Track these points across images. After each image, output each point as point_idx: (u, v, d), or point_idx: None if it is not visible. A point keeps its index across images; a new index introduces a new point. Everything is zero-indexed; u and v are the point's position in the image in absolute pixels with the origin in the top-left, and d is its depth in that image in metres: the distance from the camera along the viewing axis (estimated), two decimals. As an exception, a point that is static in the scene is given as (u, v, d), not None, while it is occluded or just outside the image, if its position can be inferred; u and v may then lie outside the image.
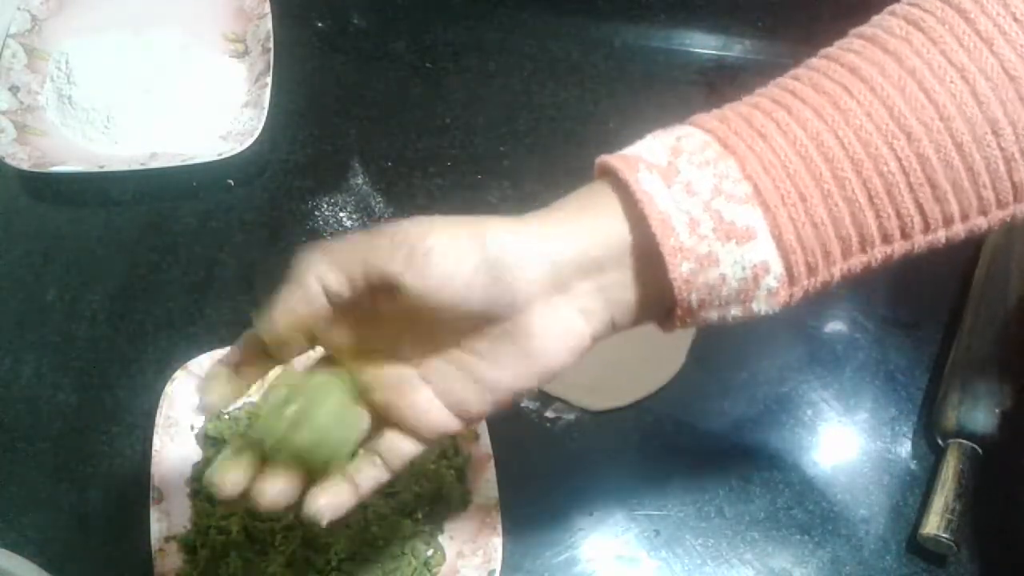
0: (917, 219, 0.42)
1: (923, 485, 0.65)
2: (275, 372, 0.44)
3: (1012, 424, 0.64)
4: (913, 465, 0.66)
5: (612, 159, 0.41)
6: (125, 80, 0.80)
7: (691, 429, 0.68)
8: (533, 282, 0.40)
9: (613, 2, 0.90)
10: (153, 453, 0.63)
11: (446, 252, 0.40)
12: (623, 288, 0.41)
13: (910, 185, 0.40)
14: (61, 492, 0.65)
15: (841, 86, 0.40)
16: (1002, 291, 0.69)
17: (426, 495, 0.62)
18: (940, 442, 0.66)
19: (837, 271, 0.42)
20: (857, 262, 0.42)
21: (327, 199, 0.79)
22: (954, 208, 0.41)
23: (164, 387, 0.65)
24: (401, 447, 0.43)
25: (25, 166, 0.74)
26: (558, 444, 0.67)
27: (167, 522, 0.61)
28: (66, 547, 0.63)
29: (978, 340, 0.67)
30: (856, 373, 0.70)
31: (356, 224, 0.78)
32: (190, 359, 0.66)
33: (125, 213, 0.78)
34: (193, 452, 0.64)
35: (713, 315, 0.41)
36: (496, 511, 0.61)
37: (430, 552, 0.61)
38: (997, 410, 0.64)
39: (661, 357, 0.70)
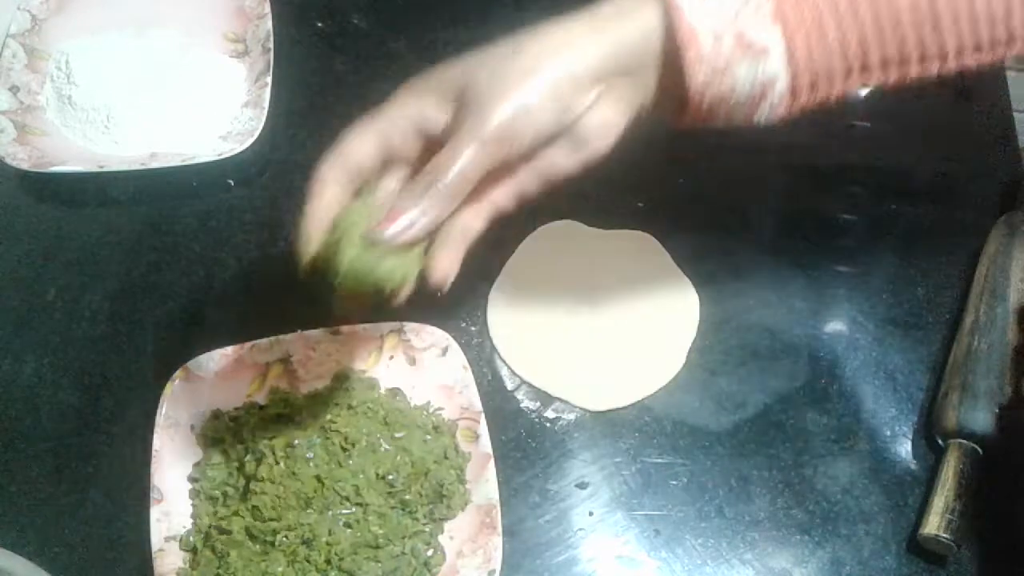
0: (915, 52, 0.46)
1: (923, 485, 0.65)
2: None
3: (1012, 424, 0.64)
4: (913, 465, 0.66)
5: None
6: (125, 80, 0.80)
7: (691, 429, 0.68)
8: (587, 99, 0.47)
9: (613, 2, 0.90)
10: (153, 453, 0.63)
11: (526, 110, 0.47)
12: (649, 86, 0.47)
13: (915, 20, 0.45)
14: (61, 492, 0.65)
15: None
16: (1002, 291, 0.69)
17: (426, 495, 0.62)
18: (940, 442, 0.66)
19: (836, 91, 0.47)
20: (855, 83, 0.47)
21: (327, 199, 0.79)
22: (951, 44, 0.46)
23: (164, 387, 0.65)
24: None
25: (25, 166, 0.74)
26: (558, 444, 0.67)
27: (167, 522, 0.61)
28: (66, 547, 0.63)
29: (978, 340, 0.67)
30: (856, 373, 0.70)
31: (356, 224, 0.78)
32: (190, 359, 0.66)
33: (125, 213, 0.78)
34: (193, 452, 0.64)
35: (720, 117, 0.47)
36: (496, 511, 0.61)
37: (430, 552, 0.61)
38: (997, 410, 0.64)
39: (661, 357, 0.70)
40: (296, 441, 0.60)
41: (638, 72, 0.47)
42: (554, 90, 0.47)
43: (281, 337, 0.68)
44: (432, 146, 0.48)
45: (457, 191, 0.47)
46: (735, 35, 0.45)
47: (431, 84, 0.49)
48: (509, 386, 0.70)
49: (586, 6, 0.49)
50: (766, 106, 0.47)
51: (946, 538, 0.60)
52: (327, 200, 0.49)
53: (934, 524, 0.61)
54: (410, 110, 0.50)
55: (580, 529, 0.64)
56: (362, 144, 0.50)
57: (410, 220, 0.47)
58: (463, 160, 0.47)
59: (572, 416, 0.68)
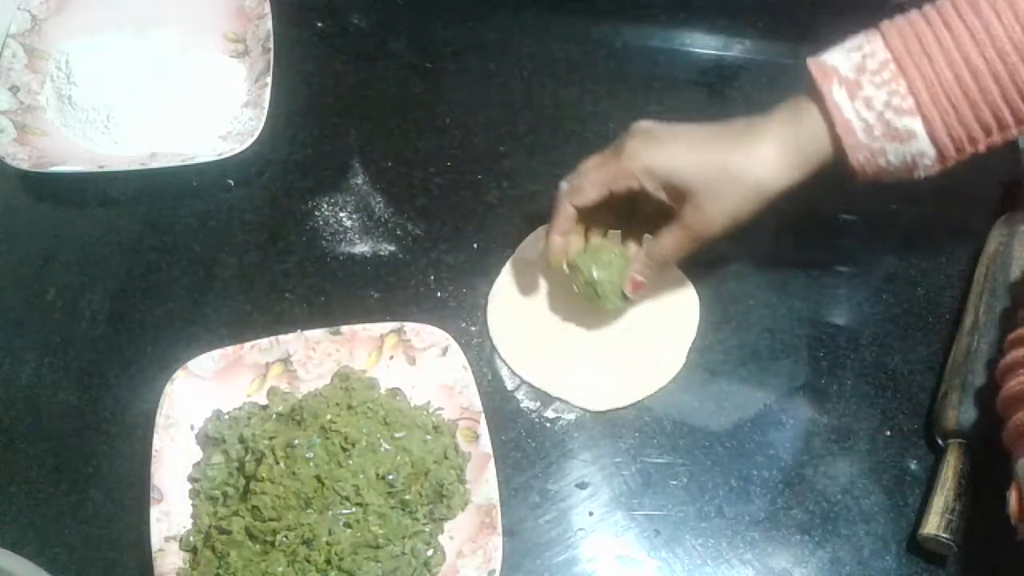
0: None
1: (923, 485, 0.65)
2: None
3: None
4: (913, 465, 0.66)
5: (815, 69, 0.59)
6: (125, 80, 0.80)
7: (691, 429, 0.68)
8: (760, 181, 0.60)
9: (613, 2, 0.90)
10: (153, 453, 0.63)
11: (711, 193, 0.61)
12: (815, 156, 0.60)
13: None
14: (61, 492, 0.65)
15: (993, 10, 0.55)
16: (1002, 291, 0.69)
17: (426, 495, 0.62)
18: (940, 442, 0.66)
19: (982, 147, 0.58)
20: (998, 139, 0.58)
21: (327, 199, 0.79)
22: None
23: (164, 387, 0.65)
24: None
25: (25, 166, 0.74)
26: (558, 444, 0.67)
27: (167, 522, 0.61)
28: (66, 547, 0.63)
29: (978, 340, 0.67)
30: (856, 373, 0.70)
31: (356, 224, 0.78)
32: (190, 359, 0.66)
33: (125, 213, 0.78)
34: (193, 452, 0.64)
35: (883, 180, 0.60)
36: (496, 511, 0.61)
37: (430, 552, 0.61)
38: (997, 410, 0.64)
39: (661, 357, 0.70)
40: (296, 441, 0.60)
41: (813, 163, 0.60)
42: (760, 207, 0.61)
43: (281, 337, 0.68)
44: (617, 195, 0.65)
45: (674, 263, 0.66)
46: (883, 126, 0.57)
47: (656, 171, 0.62)
48: (509, 386, 0.70)
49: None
50: (920, 171, 0.59)
51: (946, 538, 0.60)
52: (567, 220, 0.66)
53: (934, 524, 0.61)
54: (628, 180, 0.63)
55: (580, 529, 0.64)
56: (593, 190, 0.65)
57: (645, 287, 0.67)
58: (687, 249, 0.64)
59: (572, 416, 0.68)
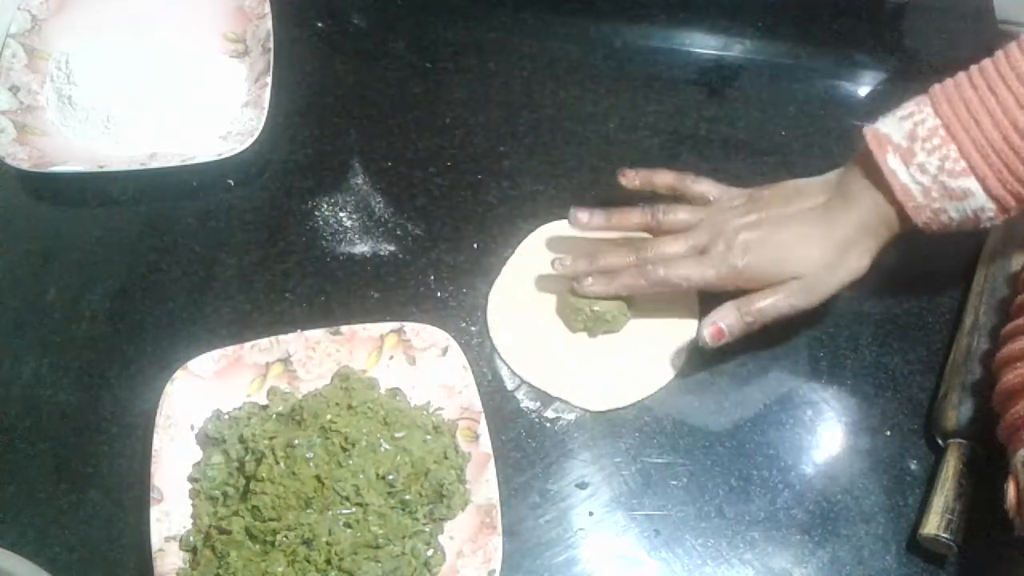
0: None
1: (923, 485, 0.65)
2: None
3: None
4: (913, 465, 0.66)
5: (872, 141, 0.63)
6: (125, 80, 0.80)
7: (691, 429, 0.68)
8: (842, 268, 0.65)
9: (613, 2, 0.90)
10: (153, 453, 0.63)
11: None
12: (886, 232, 0.64)
13: None
14: (61, 492, 0.65)
15: None
16: (1002, 290, 0.69)
17: (426, 495, 0.62)
18: (940, 442, 0.66)
19: None
20: None
21: (327, 199, 0.79)
22: None
23: (164, 387, 0.65)
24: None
25: (25, 166, 0.74)
26: (558, 444, 0.67)
27: (167, 522, 0.61)
28: (66, 547, 0.63)
29: (977, 340, 0.67)
30: (856, 373, 0.70)
31: (356, 224, 0.78)
32: (190, 359, 0.66)
33: (125, 213, 0.78)
34: (193, 452, 0.64)
35: (953, 232, 0.63)
36: (496, 511, 0.61)
37: (430, 552, 0.61)
38: (993, 404, 0.64)
39: (661, 357, 0.70)
40: (296, 441, 0.60)
41: (888, 234, 0.65)
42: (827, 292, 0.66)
43: (281, 337, 0.68)
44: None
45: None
46: (939, 187, 0.60)
47: (769, 279, 0.66)
48: (509, 386, 0.70)
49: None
50: (984, 221, 0.62)
51: (946, 538, 0.60)
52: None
53: (934, 524, 0.61)
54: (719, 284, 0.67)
55: (580, 529, 0.64)
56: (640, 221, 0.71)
57: (728, 337, 0.66)
58: (781, 316, 0.66)
59: (572, 416, 0.68)
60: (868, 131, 0.63)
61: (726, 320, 0.65)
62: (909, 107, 0.62)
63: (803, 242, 0.65)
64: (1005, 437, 0.59)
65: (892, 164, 0.61)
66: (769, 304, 0.65)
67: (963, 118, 0.59)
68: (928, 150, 0.60)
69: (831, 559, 0.63)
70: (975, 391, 0.65)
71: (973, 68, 0.61)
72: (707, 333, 0.65)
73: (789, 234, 0.65)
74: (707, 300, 0.72)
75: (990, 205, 0.60)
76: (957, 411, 0.65)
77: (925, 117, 0.61)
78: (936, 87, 0.62)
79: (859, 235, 0.64)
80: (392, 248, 0.76)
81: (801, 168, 0.72)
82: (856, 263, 0.65)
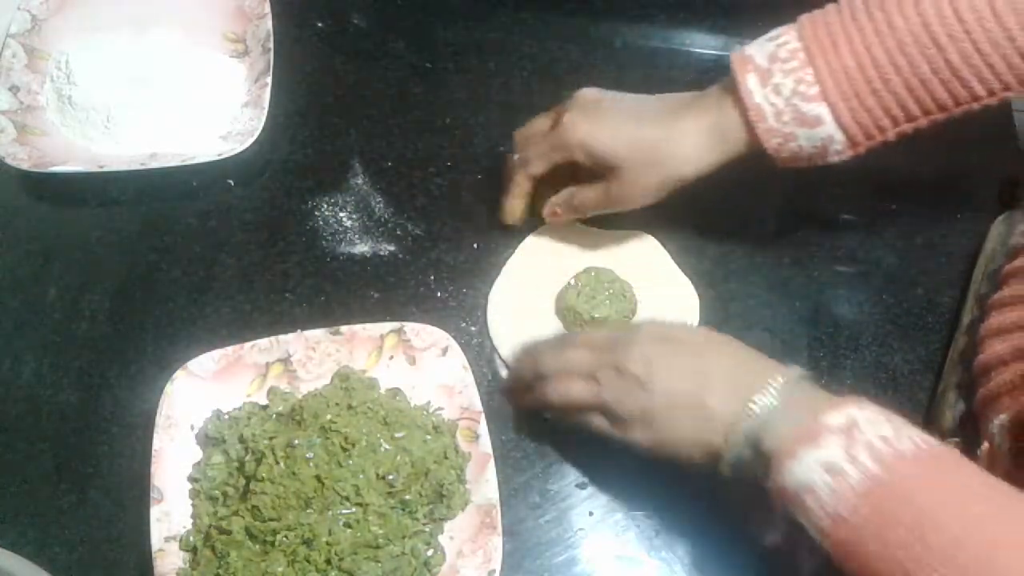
0: (949, 101, 0.59)
1: (923, 485, 0.65)
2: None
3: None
4: (913, 465, 0.66)
5: (736, 61, 0.62)
6: (125, 80, 0.80)
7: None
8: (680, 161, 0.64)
9: (613, 2, 0.90)
10: (153, 453, 0.63)
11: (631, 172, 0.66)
12: (730, 148, 0.63)
13: (941, 80, 0.58)
14: (61, 492, 0.65)
15: (897, 4, 0.58)
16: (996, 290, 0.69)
17: (426, 495, 0.62)
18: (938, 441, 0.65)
19: (891, 136, 0.61)
20: (907, 128, 0.61)
21: (327, 199, 0.79)
22: (982, 89, 0.58)
23: (164, 387, 0.65)
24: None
25: (25, 166, 0.74)
26: (558, 444, 0.67)
27: (167, 522, 0.61)
28: (66, 547, 0.63)
29: (974, 339, 0.67)
30: (856, 373, 0.70)
31: (356, 224, 0.78)
32: (190, 359, 0.66)
33: (125, 213, 0.78)
34: (193, 452, 0.64)
35: (799, 164, 0.63)
36: (496, 511, 0.61)
37: (430, 552, 0.61)
38: (973, 375, 0.64)
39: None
40: (296, 441, 0.60)
41: (733, 149, 0.63)
42: (679, 188, 0.66)
43: (281, 337, 0.68)
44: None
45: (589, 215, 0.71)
46: (792, 111, 0.60)
47: (587, 146, 0.66)
48: (509, 386, 0.70)
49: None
50: (833, 154, 0.62)
51: None
52: (520, 188, 0.72)
53: None
54: (566, 152, 0.67)
55: (580, 529, 0.64)
56: (540, 162, 0.69)
57: (558, 220, 0.72)
58: (603, 210, 0.69)
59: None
60: (734, 53, 0.63)
61: (558, 202, 0.71)
62: (777, 31, 0.62)
63: (636, 125, 0.65)
64: (982, 405, 0.60)
65: (750, 84, 0.61)
66: (590, 194, 0.68)
67: (823, 43, 0.59)
68: (785, 71, 0.60)
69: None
70: (971, 390, 0.65)
71: None
72: (546, 213, 0.72)
73: (632, 115, 0.66)
74: (707, 300, 0.73)
75: (839, 136, 0.60)
76: (953, 410, 0.65)
77: (788, 39, 0.61)
78: (806, 14, 0.62)
79: (692, 139, 0.63)
80: (392, 248, 0.76)
81: (801, 168, 0.72)
82: (680, 165, 0.64)
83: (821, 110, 0.60)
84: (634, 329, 0.61)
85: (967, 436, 0.64)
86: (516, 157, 0.71)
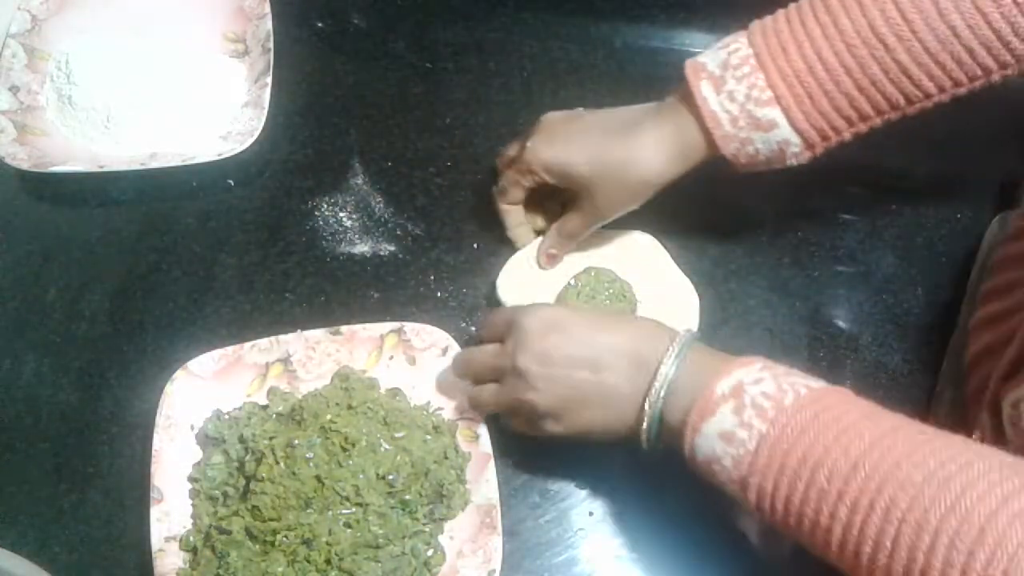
0: (901, 99, 0.60)
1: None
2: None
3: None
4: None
5: (689, 69, 0.63)
6: (125, 80, 0.80)
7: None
8: (644, 174, 0.65)
9: (613, 2, 0.90)
10: (153, 453, 0.63)
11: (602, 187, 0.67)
12: (691, 155, 0.64)
13: (891, 80, 0.59)
14: (61, 492, 0.65)
15: (843, 7, 0.58)
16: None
17: (426, 495, 0.62)
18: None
19: (847, 136, 0.62)
20: (863, 128, 0.61)
21: (327, 199, 0.79)
22: (932, 87, 0.59)
23: (164, 387, 0.65)
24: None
25: (25, 166, 0.74)
26: (558, 444, 0.67)
27: (167, 522, 0.61)
28: (66, 547, 0.63)
29: (967, 333, 0.68)
30: (856, 373, 0.70)
31: (356, 224, 0.78)
32: (190, 359, 0.66)
33: (125, 213, 0.78)
34: (193, 452, 0.64)
35: (757, 168, 0.64)
36: (496, 511, 0.61)
37: (430, 552, 0.61)
38: (966, 367, 0.64)
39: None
40: (296, 441, 0.60)
41: (693, 156, 0.64)
42: (647, 197, 0.66)
43: (281, 337, 0.68)
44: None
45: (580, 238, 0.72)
46: (746, 116, 0.61)
47: (552, 168, 0.67)
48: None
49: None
50: (790, 157, 0.63)
51: None
52: (512, 217, 0.73)
53: None
54: (534, 176, 0.69)
55: (580, 529, 0.64)
56: (515, 189, 0.71)
57: (556, 260, 0.72)
58: (590, 229, 0.70)
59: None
60: (688, 62, 0.63)
61: (549, 244, 0.72)
62: (729, 39, 0.63)
63: (596, 143, 0.65)
64: (973, 395, 0.61)
65: (704, 91, 0.61)
66: (573, 219, 0.69)
67: (772, 48, 0.60)
68: (738, 78, 0.61)
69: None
70: (963, 381, 0.65)
71: (792, 4, 0.62)
72: (542, 261, 0.72)
73: (592, 133, 0.66)
74: (707, 300, 0.73)
75: (795, 139, 0.61)
76: (946, 405, 0.65)
77: (739, 47, 0.62)
78: (756, 21, 0.63)
79: (652, 150, 0.64)
80: (392, 248, 0.76)
81: (801, 168, 0.72)
82: (643, 176, 0.65)
83: (775, 114, 0.60)
84: (523, 321, 0.60)
85: (960, 428, 0.64)
86: (495, 188, 0.72)
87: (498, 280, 0.73)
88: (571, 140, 0.67)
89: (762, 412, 0.50)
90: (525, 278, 0.73)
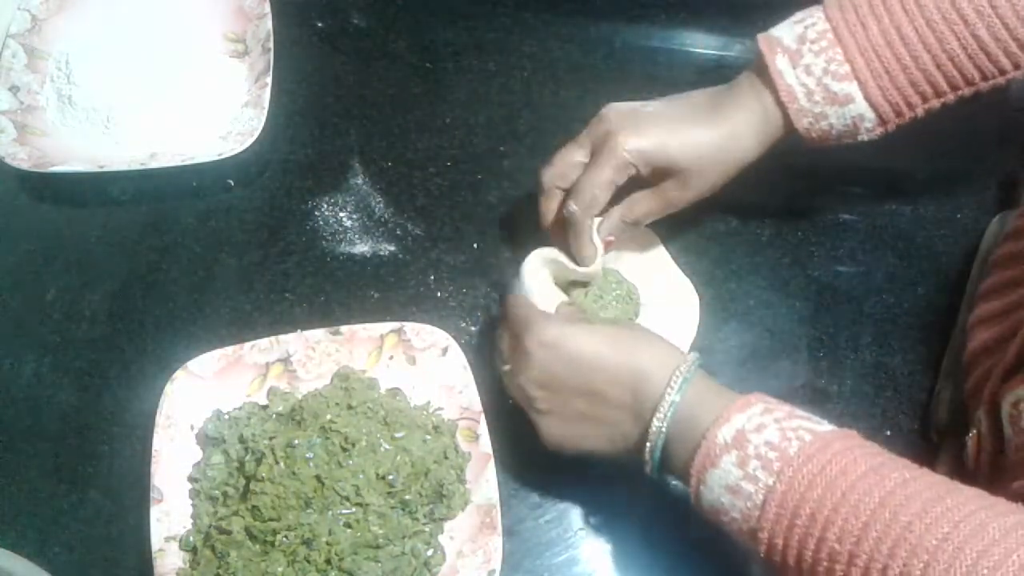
0: (976, 75, 0.60)
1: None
2: None
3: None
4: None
5: (764, 44, 0.63)
6: (125, 80, 0.80)
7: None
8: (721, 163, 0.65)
9: (613, 2, 0.90)
10: (153, 453, 0.63)
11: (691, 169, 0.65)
12: (771, 132, 0.64)
13: (968, 56, 0.59)
14: (61, 492, 0.65)
15: None
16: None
17: (426, 495, 0.62)
18: (935, 440, 0.66)
19: (919, 111, 0.62)
20: (936, 104, 0.62)
21: (327, 199, 0.79)
22: (996, 68, 0.60)
23: (164, 387, 0.65)
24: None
25: (25, 166, 0.74)
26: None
27: (167, 522, 0.61)
28: (66, 547, 0.63)
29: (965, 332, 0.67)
30: (856, 373, 0.70)
31: (356, 224, 0.78)
32: (190, 359, 0.66)
33: (125, 213, 0.78)
34: (193, 452, 0.64)
35: (829, 144, 0.64)
36: (496, 511, 0.61)
37: (430, 552, 0.61)
38: (964, 365, 0.64)
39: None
40: (296, 441, 0.60)
41: (775, 133, 0.64)
42: (729, 179, 0.66)
43: (281, 337, 0.68)
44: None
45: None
46: (823, 91, 0.61)
47: (648, 156, 0.64)
48: (509, 386, 0.70)
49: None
50: (863, 133, 0.63)
51: None
52: (589, 234, 0.66)
53: None
54: (628, 170, 0.65)
55: (580, 529, 0.64)
56: (604, 194, 0.65)
57: (611, 246, 0.69)
58: (660, 215, 0.67)
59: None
60: (761, 36, 0.64)
61: (609, 227, 0.67)
62: (803, 13, 0.63)
63: (688, 127, 0.64)
64: (970, 394, 0.61)
65: (780, 64, 0.62)
66: (644, 203, 0.66)
67: (851, 22, 0.60)
68: (815, 52, 0.61)
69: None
70: (961, 380, 0.65)
71: None
72: (604, 246, 0.67)
73: (677, 118, 0.65)
74: (707, 300, 0.73)
75: (870, 114, 0.61)
76: (945, 405, 0.65)
77: (816, 21, 0.62)
78: None
79: (744, 129, 0.64)
80: (392, 248, 0.76)
81: (801, 168, 0.72)
82: (739, 156, 0.64)
83: (852, 88, 0.60)
84: (525, 342, 0.58)
85: (958, 427, 0.64)
86: (574, 209, 0.65)
87: (526, 264, 0.68)
88: (661, 126, 0.64)
89: (768, 464, 0.49)
90: (551, 268, 0.71)
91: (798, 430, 0.50)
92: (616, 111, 0.65)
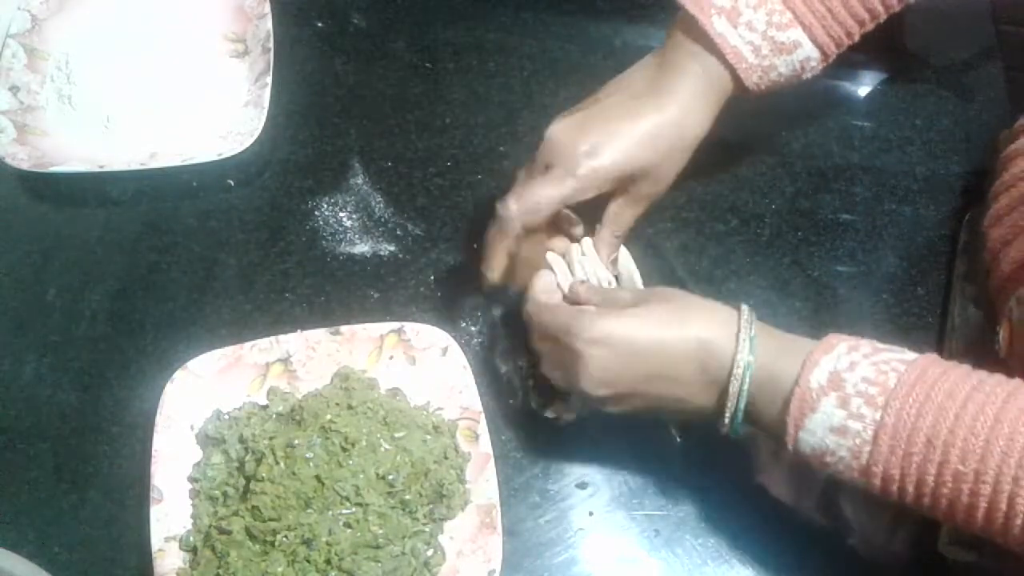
0: None
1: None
2: None
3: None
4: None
5: (693, 7, 0.61)
6: (125, 80, 0.80)
7: (691, 429, 0.68)
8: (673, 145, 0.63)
9: (613, 2, 0.90)
10: (153, 453, 0.63)
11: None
12: (719, 96, 0.63)
13: None
14: (61, 492, 0.65)
15: None
16: (971, 292, 0.69)
17: (426, 495, 0.62)
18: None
19: (856, 38, 0.63)
20: (868, 28, 0.63)
21: (327, 199, 0.79)
22: None
23: (164, 387, 0.65)
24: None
25: (25, 166, 0.74)
26: (558, 444, 0.67)
27: (167, 522, 0.61)
28: (66, 547, 0.63)
29: (956, 342, 0.68)
30: (856, 373, 0.70)
31: (356, 224, 0.78)
32: (190, 359, 0.66)
33: (125, 213, 0.78)
34: (193, 452, 0.64)
35: (777, 90, 0.63)
36: (496, 511, 0.61)
37: (430, 552, 0.61)
38: (986, 261, 0.65)
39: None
40: (296, 441, 0.60)
41: (722, 96, 0.63)
42: (690, 154, 0.64)
43: (281, 337, 0.68)
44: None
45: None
46: (768, 43, 0.61)
47: (613, 171, 0.62)
48: (509, 386, 0.70)
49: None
50: (807, 72, 0.63)
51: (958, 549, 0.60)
52: (515, 240, 0.63)
53: (944, 536, 0.60)
54: (592, 191, 0.62)
55: (580, 529, 0.64)
56: (548, 209, 0.62)
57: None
58: (644, 212, 0.65)
59: (572, 416, 0.68)
60: (684, 1, 0.61)
61: (610, 247, 0.65)
62: None
63: (637, 121, 0.62)
64: (997, 289, 0.61)
65: (719, 27, 0.60)
66: (627, 209, 0.64)
67: None
68: (752, 6, 0.60)
69: (835, 558, 0.63)
70: (982, 290, 0.65)
71: None
72: (605, 264, 0.65)
73: (624, 115, 0.62)
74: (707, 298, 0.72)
75: (815, 54, 0.62)
76: (963, 331, 0.65)
77: None
78: None
79: (692, 102, 0.62)
80: (392, 248, 0.76)
81: (801, 168, 0.72)
82: (696, 130, 0.62)
83: (797, 34, 0.61)
84: (577, 347, 0.56)
85: (982, 340, 0.65)
86: (513, 207, 0.62)
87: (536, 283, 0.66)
88: (613, 132, 0.61)
89: (871, 399, 0.50)
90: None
91: (890, 362, 0.51)
92: (567, 132, 0.62)
